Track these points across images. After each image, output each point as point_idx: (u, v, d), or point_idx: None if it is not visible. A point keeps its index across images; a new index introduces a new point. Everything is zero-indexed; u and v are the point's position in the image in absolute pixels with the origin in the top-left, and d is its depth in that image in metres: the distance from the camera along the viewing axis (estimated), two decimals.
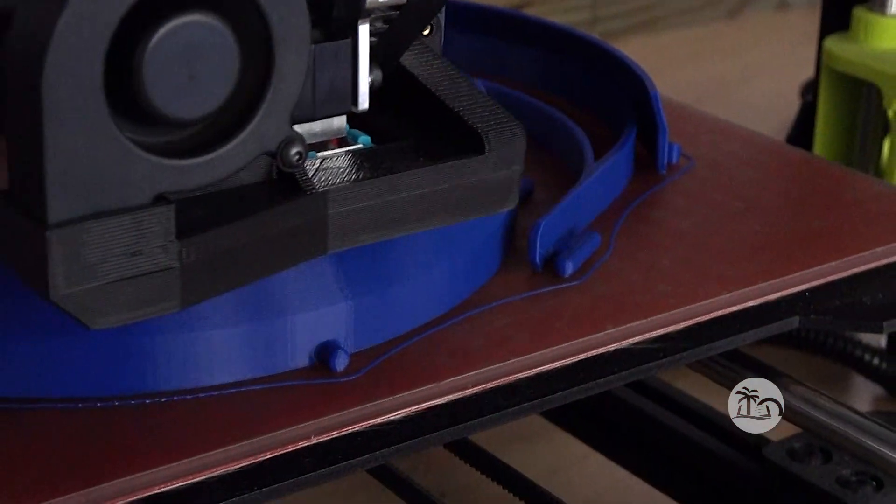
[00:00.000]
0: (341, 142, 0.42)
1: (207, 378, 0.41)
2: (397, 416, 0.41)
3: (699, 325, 0.46)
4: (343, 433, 0.40)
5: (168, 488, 0.38)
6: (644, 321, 0.45)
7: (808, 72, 0.81)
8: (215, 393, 0.41)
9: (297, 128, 0.39)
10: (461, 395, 0.42)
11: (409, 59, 0.43)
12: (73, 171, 0.35)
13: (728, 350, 0.48)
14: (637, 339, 0.45)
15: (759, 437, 0.55)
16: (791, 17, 1.18)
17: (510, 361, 0.43)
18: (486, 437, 0.54)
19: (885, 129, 0.70)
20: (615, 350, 0.45)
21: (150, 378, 0.41)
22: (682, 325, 0.46)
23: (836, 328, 0.60)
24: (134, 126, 0.36)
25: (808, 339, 0.71)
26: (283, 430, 0.39)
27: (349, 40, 0.40)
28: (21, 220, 0.35)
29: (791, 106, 0.86)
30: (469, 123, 0.42)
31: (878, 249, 0.50)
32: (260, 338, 0.41)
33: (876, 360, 0.70)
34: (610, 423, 0.60)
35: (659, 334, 0.46)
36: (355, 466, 0.40)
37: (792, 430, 0.52)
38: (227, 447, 0.39)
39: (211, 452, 0.38)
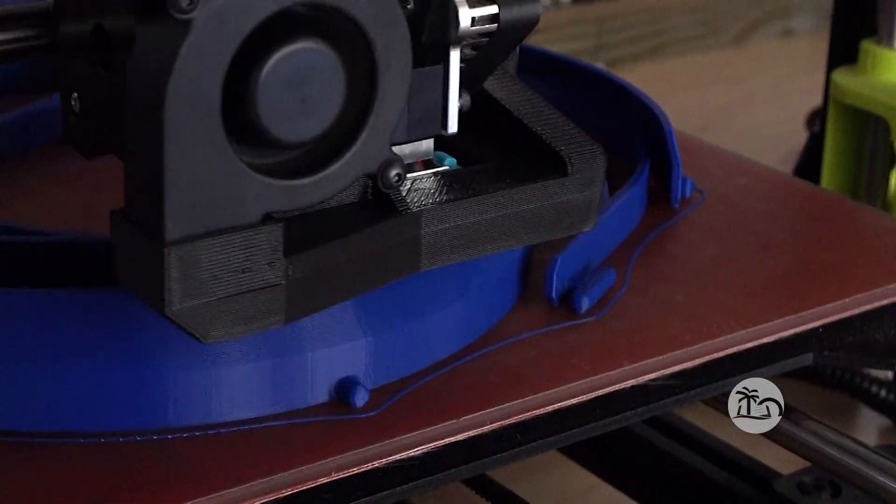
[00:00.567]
0: (427, 163, 0.43)
1: (228, 413, 0.41)
2: (417, 453, 0.41)
3: (714, 361, 0.47)
4: (363, 469, 0.40)
5: None
6: (660, 357, 0.46)
7: (812, 99, 0.81)
8: (235, 428, 0.41)
9: None
10: (480, 432, 0.42)
11: (490, 84, 0.44)
12: (191, 191, 0.36)
13: None
14: (653, 375, 0.45)
15: (770, 470, 0.55)
16: (795, 45, 1.19)
17: (528, 398, 0.43)
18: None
19: (892, 162, 0.70)
20: (632, 386, 0.45)
21: (172, 413, 0.41)
22: (697, 362, 0.46)
23: (849, 365, 0.61)
24: (245, 148, 0.37)
25: (815, 370, 0.71)
26: (304, 467, 0.40)
27: (441, 66, 0.41)
28: (138, 238, 0.36)
29: (795, 133, 0.86)
30: (552, 146, 0.43)
31: (891, 286, 0.51)
32: (280, 374, 0.42)
33: (883, 392, 0.70)
34: (619, 454, 0.60)
35: (675, 371, 0.46)
36: (375, 503, 0.40)
37: (802, 463, 0.53)
38: (249, 483, 0.39)
39: (232, 489, 0.39)
